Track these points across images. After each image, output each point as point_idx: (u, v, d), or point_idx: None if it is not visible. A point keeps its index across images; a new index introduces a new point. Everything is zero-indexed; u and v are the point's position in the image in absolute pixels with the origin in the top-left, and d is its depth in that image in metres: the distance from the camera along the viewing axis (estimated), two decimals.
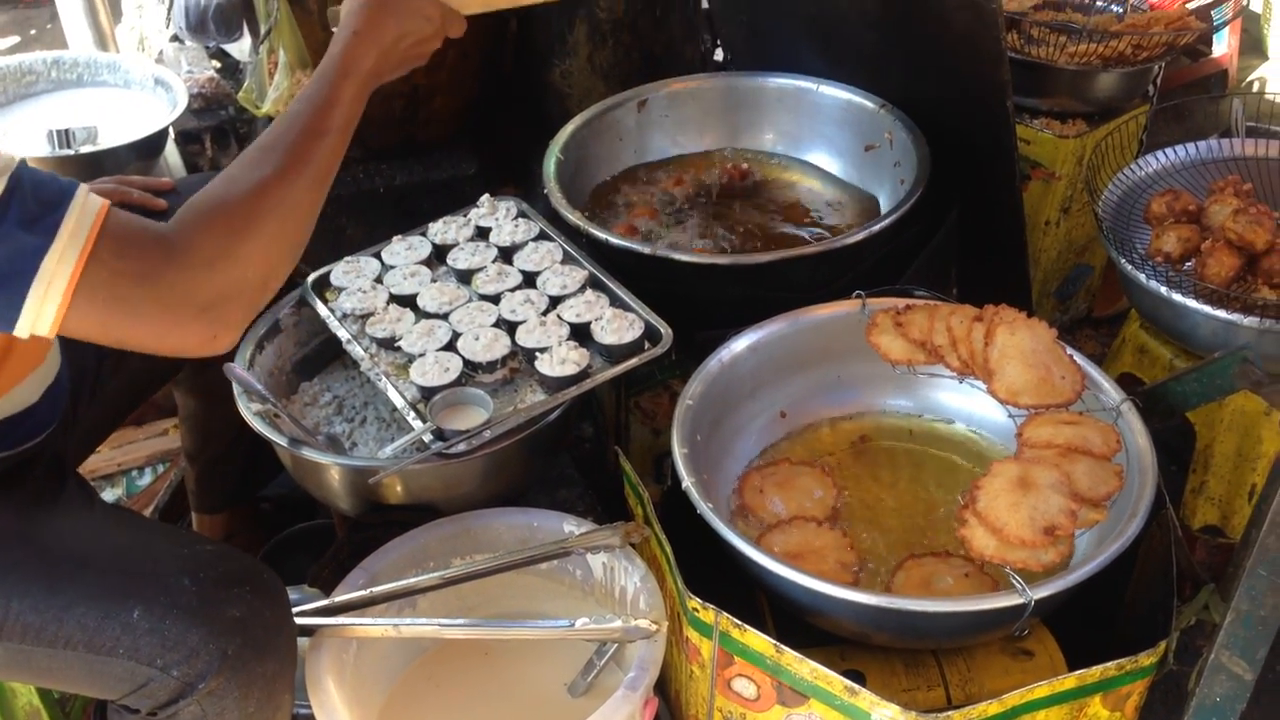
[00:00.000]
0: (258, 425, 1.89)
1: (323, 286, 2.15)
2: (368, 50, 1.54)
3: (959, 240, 2.45)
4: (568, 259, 2.18)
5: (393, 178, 2.91)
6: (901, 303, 1.98)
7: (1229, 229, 2.00)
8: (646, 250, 2.16)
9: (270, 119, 2.75)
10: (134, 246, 1.29)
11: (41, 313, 1.25)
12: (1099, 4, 2.91)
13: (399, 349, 2.00)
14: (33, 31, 5.19)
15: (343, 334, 2.05)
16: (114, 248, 1.27)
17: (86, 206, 1.27)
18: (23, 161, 1.27)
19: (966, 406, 2.00)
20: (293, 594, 1.77)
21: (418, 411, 1.89)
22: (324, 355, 2.19)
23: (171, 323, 1.32)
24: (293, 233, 1.43)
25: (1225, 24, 3.60)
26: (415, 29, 1.61)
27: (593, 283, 2.12)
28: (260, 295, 1.40)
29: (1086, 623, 1.76)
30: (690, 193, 2.55)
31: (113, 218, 1.29)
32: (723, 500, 1.91)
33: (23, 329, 1.26)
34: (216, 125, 2.87)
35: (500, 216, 2.28)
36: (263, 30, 2.62)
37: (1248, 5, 3.82)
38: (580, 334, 2.01)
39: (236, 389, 1.94)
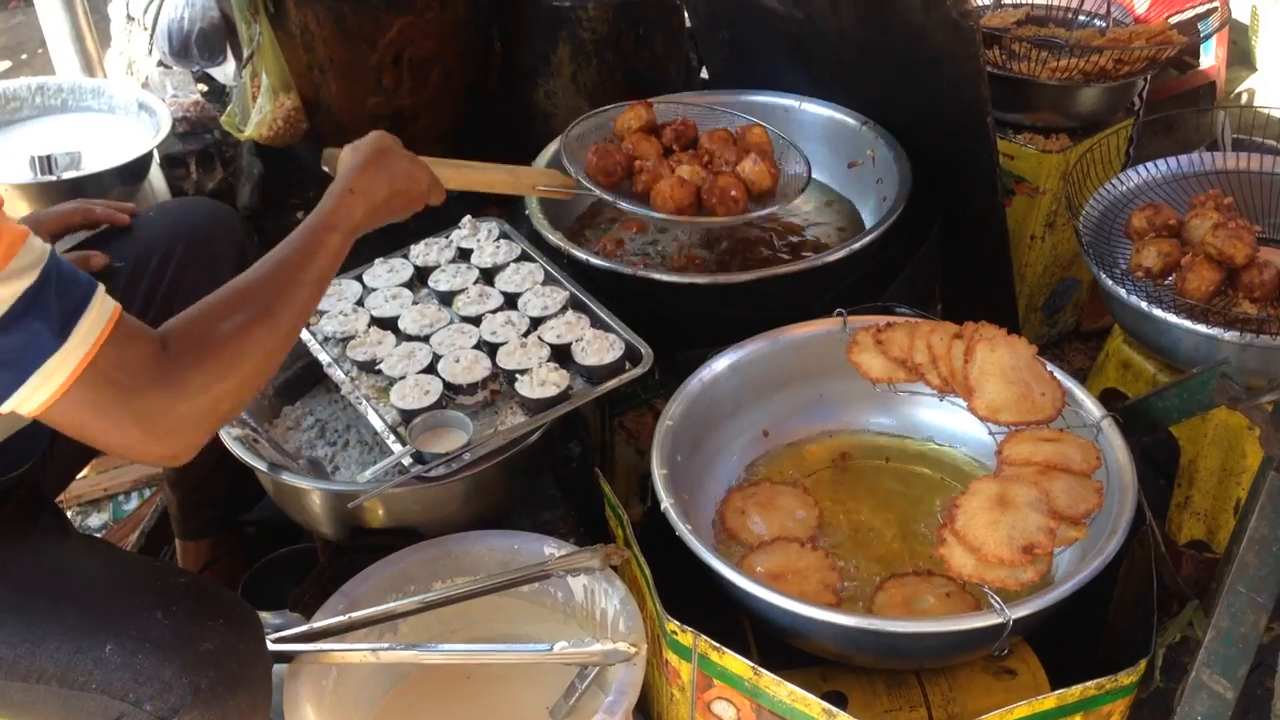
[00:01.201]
0: (238, 450, 1.89)
1: None
2: (358, 206, 1.65)
3: (943, 256, 2.45)
4: (549, 280, 2.18)
5: None
6: (882, 320, 1.97)
7: (1208, 243, 2.00)
8: (628, 270, 2.16)
9: (254, 142, 2.76)
10: (132, 362, 1.33)
11: (30, 399, 1.28)
12: (1081, 19, 2.91)
13: (379, 372, 2.00)
14: (24, 56, 5.20)
15: (324, 357, 2.05)
16: (114, 359, 1.31)
17: (101, 311, 1.31)
18: (53, 253, 1.30)
19: (948, 424, 2.00)
20: (274, 618, 1.77)
21: (397, 435, 1.89)
22: (307, 379, 2.19)
23: (141, 436, 1.34)
24: (262, 372, 1.48)
25: (1211, 35, 3.61)
26: (404, 190, 1.74)
27: (574, 303, 2.12)
28: (218, 424, 1.44)
29: (1072, 640, 1.76)
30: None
31: (120, 327, 1.32)
32: (705, 521, 1.91)
33: (5, 407, 1.29)
34: (201, 149, 2.87)
35: (482, 238, 2.28)
36: (245, 54, 2.63)
37: (1230, 17, 3.82)
38: (561, 355, 2.01)
39: None
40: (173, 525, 2.39)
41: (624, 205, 2.20)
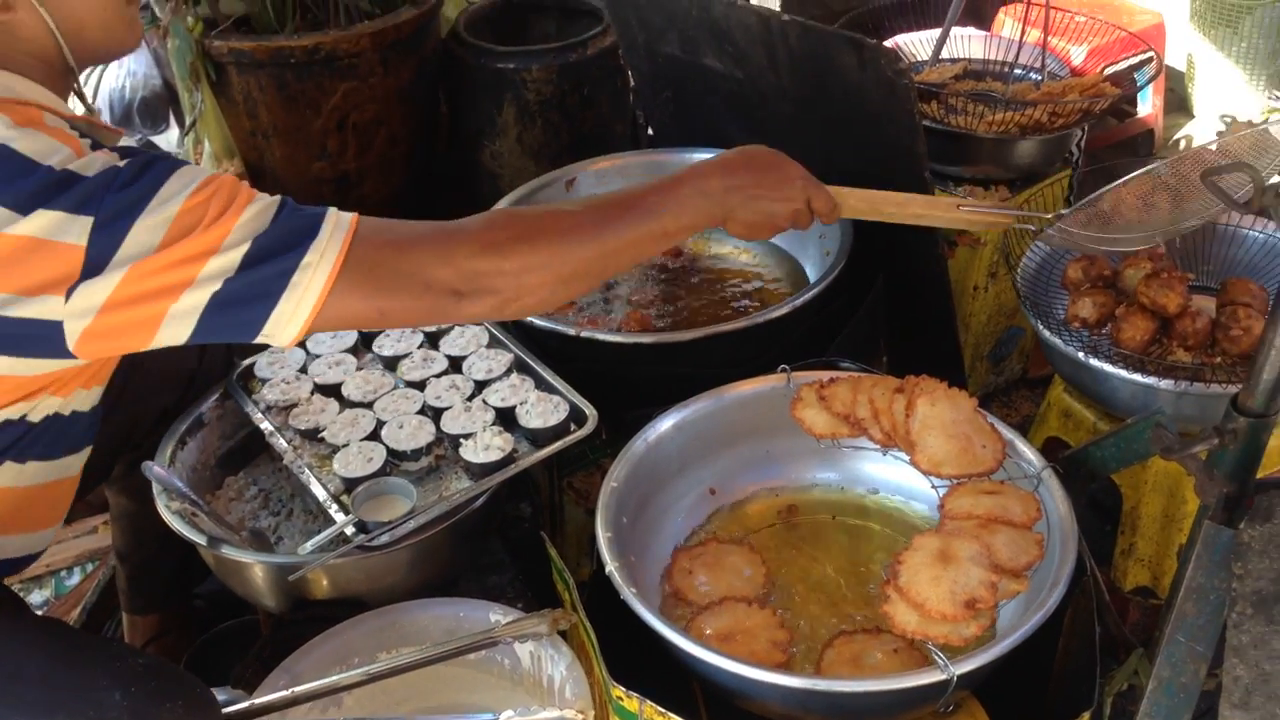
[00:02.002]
0: (176, 525, 1.86)
1: (248, 378, 2.14)
2: (717, 173, 1.66)
3: (887, 309, 2.47)
4: (494, 342, 2.18)
5: None
6: (826, 376, 1.98)
7: (1141, 293, 2.03)
8: (572, 331, 2.16)
9: None
10: (400, 226, 1.48)
11: (309, 289, 1.39)
12: (1017, 72, 2.96)
13: (322, 440, 1.99)
14: None
15: (266, 426, 2.04)
16: (376, 228, 1.45)
17: (341, 214, 1.44)
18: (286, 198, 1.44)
19: (893, 478, 2.00)
20: (218, 695, 1.73)
21: (340, 503, 1.87)
22: (250, 448, 2.17)
23: (427, 283, 1.45)
24: (560, 277, 1.53)
25: (1147, 85, 3.69)
26: (770, 190, 1.70)
27: (519, 366, 2.12)
28: (516, 296, 1.51)
29: (1019, 692, 1.76)
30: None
31: (367, 219, 1.45)
32: (652, 582, 1.89)
33: (289, 309, 1.39)
34: None
35: None
36: (188, 121, 2.63)
37: (1165, 66, 3.90)
38: (506, 418, 2.01)
39: (156, 488, 1.92)
40: (120, 599, 2.35)
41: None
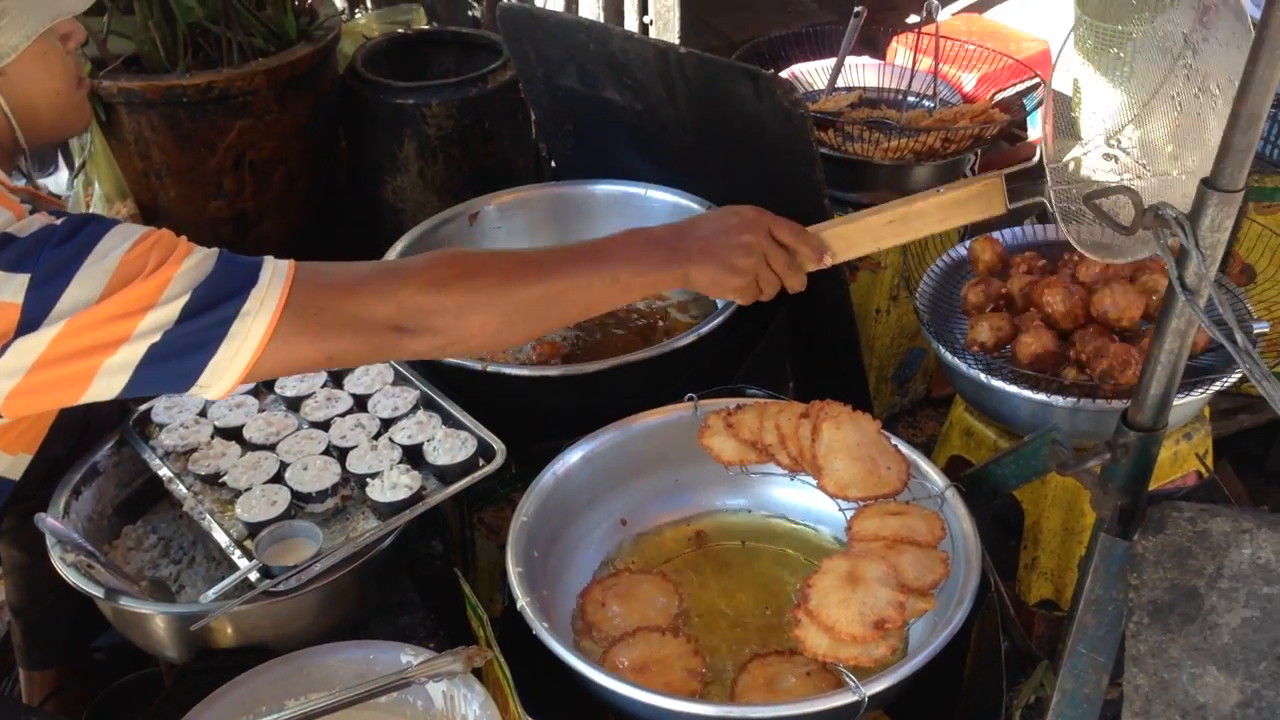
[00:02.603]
0: (71, 577, 1.81)
1: (145, 424, 2.09)
2: (685, 225, 1.71)
3: (791, 335, 2.50)
4: (399, 380, 2.16)
5: None
6: (732, 403, 1.99)
7: (1046, 302, 2.08)
8: (478, 366, 2.15)
9: None
10: (340, 268, 1.49)
11: (246, 341, 1.39)
12: (911, 99, 3.03)
13: (224, 484, 1.95)
14: None
15: (164, 472, 1.99)
16: (315, 273, 1.46)
17: (278, 262, 1.45)
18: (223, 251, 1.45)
19: (802, 502, 2.02)
20: None
21: (244, 549, 1.84)
22: (149, 496, 2.11)
23: (370, 323, 1.47)
24: (499, 322, 1.54)
25: (1036, 108, 3.79)
26: (735, 241, 1.70)
27: (425, 402, 2.10)
28: (454, 338, 1.53)
29: (931, 708, 1.78)
30: None
31: (306, 264, 1.47)
32: (566, 615, 1.89)
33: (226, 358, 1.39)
34: None
35: None
36: (77, 163, 2.57)
37: (1052, 91, 4.01)
38: (413, 456, 1.99)
39: (50, 540, 1.86)
40: (16, 655, 2.28)
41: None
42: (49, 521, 1.86)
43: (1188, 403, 1.97)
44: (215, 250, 1.44)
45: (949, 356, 2.11)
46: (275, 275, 1.42)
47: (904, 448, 1.89)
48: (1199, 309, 1.42)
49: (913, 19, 3.28)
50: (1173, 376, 1.48)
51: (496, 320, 1.53)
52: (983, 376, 2.04)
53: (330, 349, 1.46)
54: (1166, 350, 1.47)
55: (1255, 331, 1.97)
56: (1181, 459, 2.20)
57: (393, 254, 2.46)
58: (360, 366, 2.15)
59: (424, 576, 2.30)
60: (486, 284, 1.51)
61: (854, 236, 1.81)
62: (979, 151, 2.91)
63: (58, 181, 3.03)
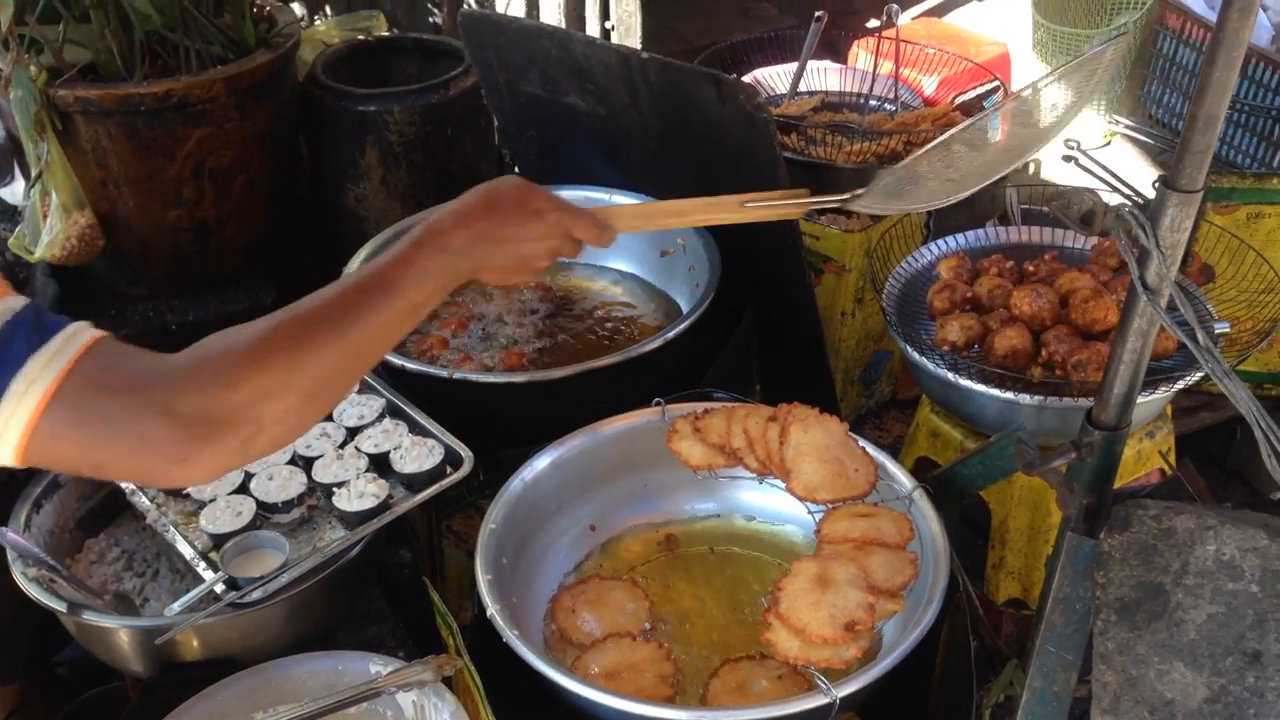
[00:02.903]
0: (33, 591, 1.79)
1: None
2: (457, 225, 1.42)
3: (758, 338, 2.50)
4: (365, 388, 2.14)
5: (185, 314, 2.82)
6: (700, 407, 2.00)
7: (1016, 305, 2.10)
8: (444, 374, 2.14)
9: (49, 264, 2.65)
10: (125, 360, 1.24)
11: (11, 420, 1.17)
12: (873, 103, 3.05)
13: (187, 496, 1.93)
14: None
15: (126, 485, 1.96)
16: (101, 362, 1.21)
17: (78, 329, 1.22)
18: (33, 304, 1.24)
19: (771, 505, 2.02)
20: None
21: (209, 561, 1.82)
22: (111, 508, 2.09)
23: (143, 436, 1.21)
24: (306, 389, 1.29)
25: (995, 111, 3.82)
26: (519, 230, 1.47)
27: (391, 411, 2.09)
28: (254, 435, 1.26)
29: (903, 708, 1.79)
30: (498, 310, 2.55)
31: (107, 340, 1.24)
32: (536, 621, 1.88)
33: None
34: None
35: None
36: (34, 173, 2.54)
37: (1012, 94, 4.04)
38: (380, 464, 1.98)
39: (11, 554, 1.83)
40: None
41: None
42: (10, 535, 1.83)
43: (1151, 401, 1.99)
44: (24, 303, 1.23)
45: (916, 356, 2.12)
46: (58, 356, 1.20)
47: (871, 449, 1.90)
48: (1160, 308, 1.43)
49: (873, 23, 3.30)
50: (1135, 375, 1.50)
51: (300, 400, 1.28)
52: (950, 375, 2.05)
53: (100, 459, 1.24)
54: (1129, 349, 1.48)
55: (1216, 332, 1.99)
56: (1145, 457, 2.22)
57: (355, 262, 2.44)
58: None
59: (392, 585, 2.29)
60: (279, 363, 1.27)
61: (638, 223, 1.71)
62: None
63: (14, 192, 2.98)
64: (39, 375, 1.18)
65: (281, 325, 1.31)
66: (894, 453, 2.21)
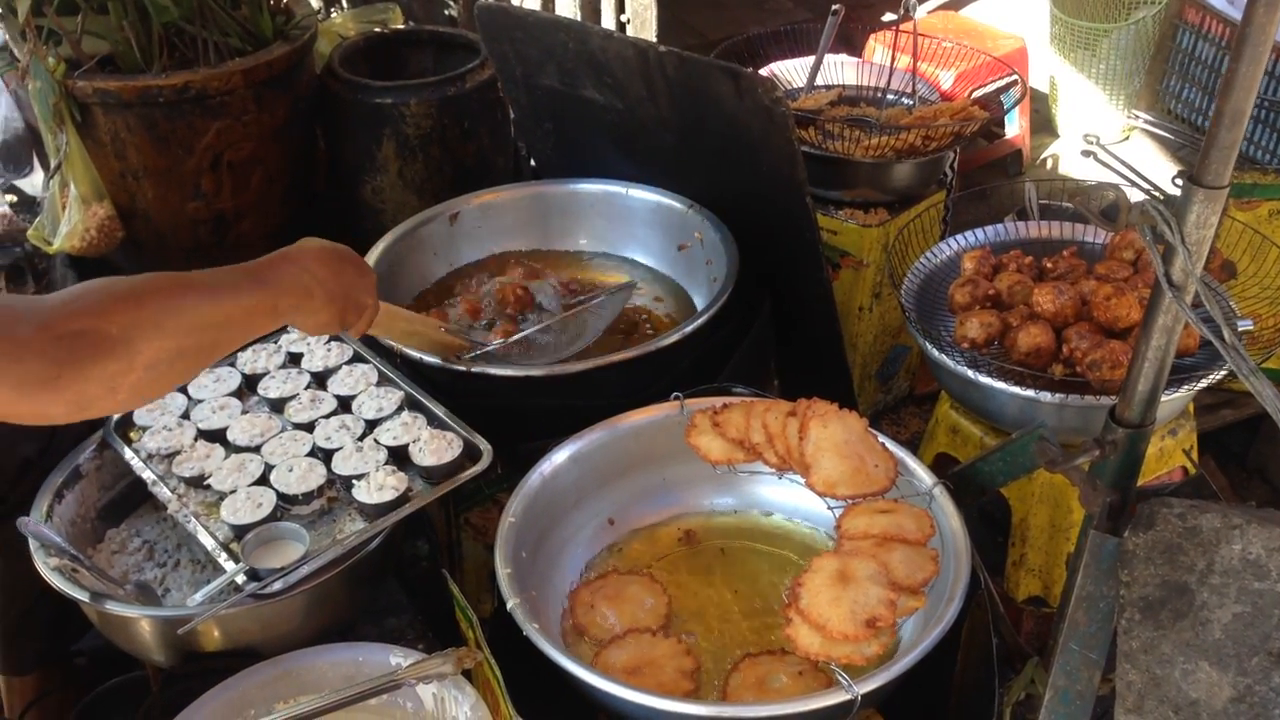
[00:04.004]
0: (56, 581, 1.79)
1: (126, 427, 2.06)
2: (322, 260, 1.60)
3: (775, 333, 2.50)
4: (383, 380, 2.15)
5: None
6: (719, 402, 1.99)
7: (1036, 303, 2.09)
8: (462, 367, 2.14)
9: (67, 255, 2.66)
10: (9, 295, 1.26)
11: None
12: (890, 97, 3.04)
13: (208, 487, 1.93)
14: None
15: (148, 475, 1.97)
16: None
17: None
18: None
19: (790, 500, 2.02)
20: None
21: (230, 552, 1.82)
22: (132, 498, 2.09)
23: (15, 351, 1.22)
24: (175, 341, 1.35)
25: (1014, 107, 3.81)
26: (350, 294, 1.67)
27: (410, 403, 2.09)
28: (118, 373, 1.30)
29: (923, 705, 1.78)
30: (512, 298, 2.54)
31: None
32: (555, 614, 1.88)
33: None
34: (10, 264, 2.76)
35: (312, 341, 2.23)
36: (53, 164, 2.54)
37: (1029, 89, 4.03)
38: (399, 456, 1.98)
39: (33, 543, 1.84)
40: None
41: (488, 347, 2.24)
42: (31, 525, 1.84)
43: (1174, 399, 1.99)
44: None
45: (936, 353, 2.11)
46: None
47: (891, 445, 1.89)
48: (1185, 305, 1.42)
49: (889, 17, 3.28)
50: (1160, 373, 1.49)
51: (166, 350, 1.33)
52: (970, 373, 2.05)
53: None
54: (1154, 347, 1.47)
55: (1240, 329, 1.98)
56: (1167, 455, 2.21)
57: (374, 255, 2.44)
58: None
59: (410, 578, 2.29)
60: (152, 306, 1.33)
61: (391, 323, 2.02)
62: (958, 148, 2.92)
63: (33, 183, 3.00)
64: None
65: (161, 278, 1.39)
66: (912, 448, 2.21)
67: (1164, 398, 1.54)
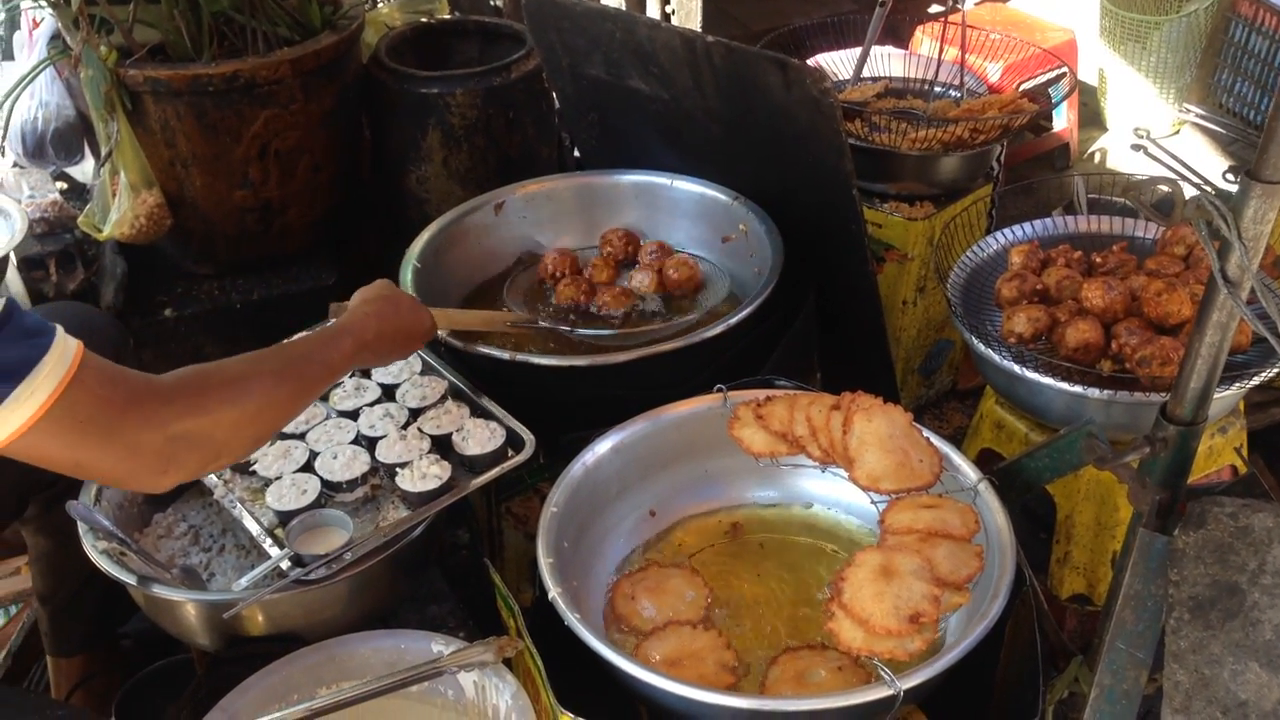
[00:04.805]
0: (104, 564, 1.81)
1: None
2: (371, 325, 1.78)
3: (819, 326, 2.49)
4: (427, 369, 2.16)
5: (250, 292, 2.86)
6: (762, 394, 1.99)
7: (1085, 298, 2.07)
8: (505, 356, 2.14)
9: (117, 242, 2.69)
10: (120, 377, 1.40)
11: (10, 418, 1.30)
12: (937, 90, 3.01)
13: (254, 473, 1.95)
14: None
15: None
16: (97, 376, 1.36)
17: (66, 337, 1.36)
18: (10, 300, 1.36)
19: (832, 494, 2.01)
20: None
21: (275, 538, 1.84)
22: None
23: (133, 447, 1.39)
24: (262, 421, 1.55)
25: (1062, 100, 3.77)
26: (409, 325, 1.88)
27: (453, 392, 2.10)
28: (214, 457, 1.50)
29: (964, 702, 1.77)
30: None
31: (88, 351, 1.38)
32: (596, 605, 1.88)
33: None
34: (61, 250, 2.78)
35: None
36: (104, 151, 2.57)
37: (1079, 82, 3.99)
38: (442, 446, 1.99)
39: (82, 527, 1.86)
40: (44, 642, 2.29)
41: (580, 333, 2.36)
42: (80, 508, 1.86)
43: (1226, 396, 1.96)
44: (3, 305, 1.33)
45: (982, 348, 2.10)
46: (58, 364, 1.33)
47: (936, 440, 1.88)
48: (1241, 301, 1.40)
49: (936, 9, 3.26)
50: (1213, 370, 1.47)
51: (251, 434, 1.56)
52: (1016, 368, 2.03)
53: (85, 459, 1.38)
54: (1208, 343, 1.46)
55: None
56: (1216, 453, 2.18)
57: (418, 245, 2.45)
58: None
59: (450, 566, 2.31)
60: (257, 399, 1.53)
61: (442, 319, 2.07)
62: (1005, 142, 2.89)
63: (84, 170, 3.03)
64: (43, 382, 1.31)
65: (254, 367, 1.57)
66: (954, 444, 2.19)
67: (1215, 395, 1.52)
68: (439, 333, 2.06)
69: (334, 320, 1.82)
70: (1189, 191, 1.48)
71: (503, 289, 2.55)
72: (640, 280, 2.49)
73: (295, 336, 1.75)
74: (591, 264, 2.56)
